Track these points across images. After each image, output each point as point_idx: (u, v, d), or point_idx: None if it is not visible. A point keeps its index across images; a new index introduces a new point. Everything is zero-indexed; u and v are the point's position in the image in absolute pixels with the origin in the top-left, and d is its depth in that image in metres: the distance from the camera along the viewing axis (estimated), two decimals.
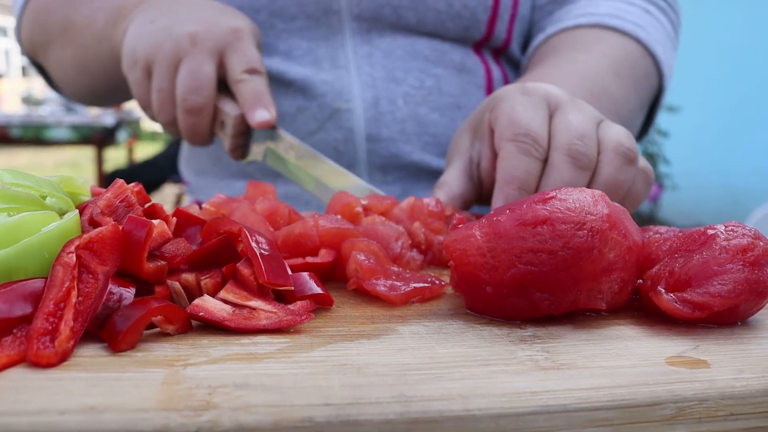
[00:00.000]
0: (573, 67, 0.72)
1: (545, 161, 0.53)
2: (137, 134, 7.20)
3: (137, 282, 0.37)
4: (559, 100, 0.55)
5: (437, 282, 0.45)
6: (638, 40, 0.77)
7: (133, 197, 0.42)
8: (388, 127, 0.78)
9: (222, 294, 0.38)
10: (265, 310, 0.38)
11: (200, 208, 0.54)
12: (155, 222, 0.38)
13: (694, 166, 4.28)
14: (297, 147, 0.67)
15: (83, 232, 0.38)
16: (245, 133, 0.68)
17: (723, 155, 4.25)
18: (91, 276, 0.34)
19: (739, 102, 4.14)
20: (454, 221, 0.45)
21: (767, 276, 0.39)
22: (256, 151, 0.69)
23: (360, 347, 0.35)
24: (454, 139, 0.65)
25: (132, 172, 4.63)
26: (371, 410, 0.28)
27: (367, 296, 0.45)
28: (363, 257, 0.45)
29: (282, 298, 0.41)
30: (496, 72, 0.84)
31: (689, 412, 0.30)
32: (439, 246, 0.53)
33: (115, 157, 7.48)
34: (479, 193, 0.62)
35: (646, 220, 4.07)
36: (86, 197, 0.48)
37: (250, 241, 0.40)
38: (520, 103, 0.55)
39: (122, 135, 5.32)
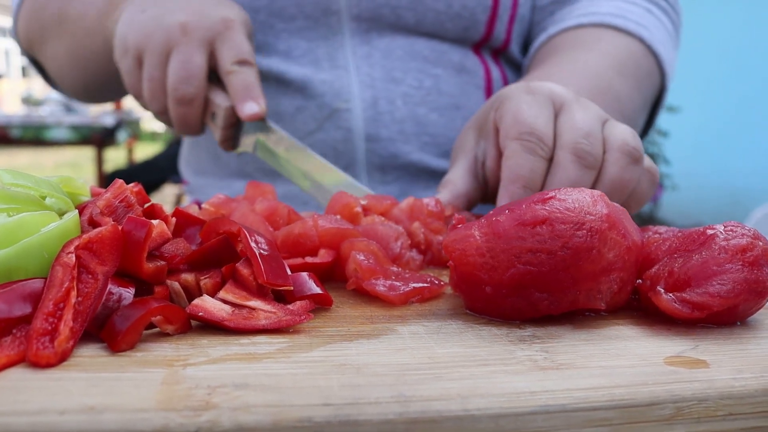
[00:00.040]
0: (577, 66, 0.72)
1: (550, 160, 0.53)
2: (137, 134, 7.20)
3: (137, 282, 0.37)
4: (564, 98, 0.55)
5: (436, 282, 0.45)
6: (641, 40, 0.77)
7: (132, 197, 0.42)
8: (386, 127, 0.78)
9: (221, 294, 0.38)
10: (264, 310, 0.38)
11: (199, 208, 0.54)
12: (155, 222, 0.39)
13: (694, 166, 4.28)
14: (286, 140, 0.67)
15: (83, 232, 0.38)
16: (236, 125, 0.69)
17: (723, 155, 4.25)
18: (90, 276, 0.34)
19: (739, 102, 4.14)
20: (454, 221, 0.45)
21: (766, 276, 0.39)
22: (246, 143, 0.69)
23: (359, 347, 0.35)
24: (459, 138, 0.65)
25: (132, 172, 4.63)
26: (370, 410, 0.28)
27: (366, 296, 0.45)
28: (362, 257, 0.45)
29: (281, 298, 0.41)
30: (496, 72, 0.84)
31: (688, 412, 0.30)
32: (439, 246, 0.53)
33: (115, 158, 7.48)
34: (484, 192, 0.62)
35: (645, 220, 4.07)
36: (86, 197, 0.48)
37: (250, 241, 0.40)
38: (525, 101, 0.55)
39: (122, 135, 5.32)
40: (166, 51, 0.65)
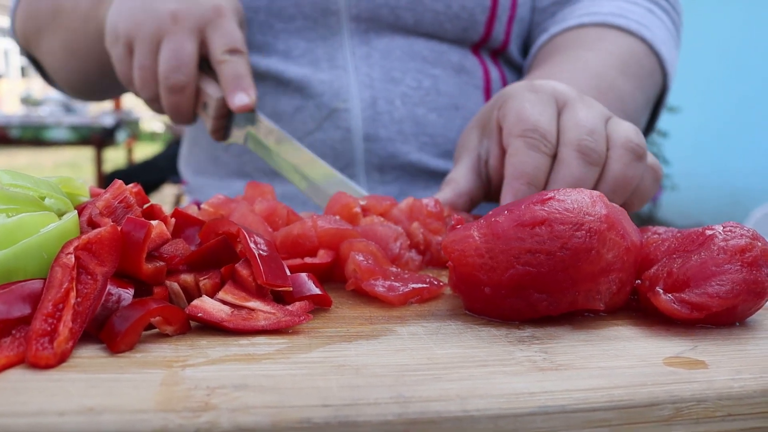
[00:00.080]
0: (579, 65, 0.72)
1: (554, 157, 0.54)
2: (136, 135, 7.20)
3: (136, 283, 0.37)
4: (567, 96, 0.56)
5: (436, 283, 0.45)
6: (643, 39, 0.77)
7: (131, 198, 0.42)
8: (385, 127, 0.78)
9: (220, 295, 0.38)
10: (263, 310, 0.38)
11: (199, 208, 0.54)
12: (154, 223, 0.39)
13: (694, 166, 4.28)
14: (276, 132, 0.68)
15: (82, 233, 0.38)
16: (227, 116, 0.69)
17: (722, 155, 4.25)
18: (89, 277, 0.34)
19: (739, 102, 4.14)
20: (453, 222, 0.45)
21: (765, 276, 0.39)
22: (237, 134, 0.70)
23: (358, 348, 0.35)
24: (462, 136, 0.65)
25: (131, 172, 4.63)
26: (369, 411, 0.28)
27: (365, 297, 0.45)
28: (361, 258, 0.45)
29: (280, 298, 0.41)
30: (494, 73, 0.85)
31: (687, 412, 0.30)
32: (438, 246, 0.53)
33: (115, 158, 7.47)
34: (487, 191, 0.62)
35: (645, 220, 4.07)
36: (85, 198, 0.48)
37: (249, 241, 0.40)
38: (528, 99, 0.55)
39: (121, 135, 5.32)
40: (156, 39, 0.65)
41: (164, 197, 4.80)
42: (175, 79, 0.65)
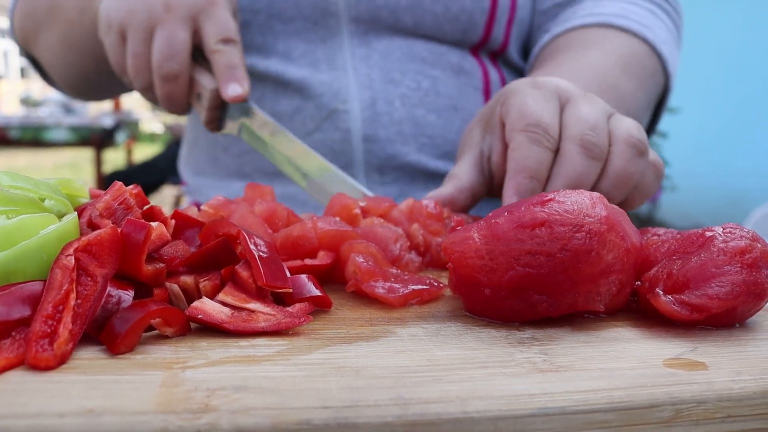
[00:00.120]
0: (581, 64, 0.73)
1: (556, 152, 0.54)
2: (136, 136, 7.20)
3: (136, 284, 0.37)
4: (570, 92, 0.56)
5: (435, 284, 0.45)
6: (645, 40, 0.77)
7: (131, 199, 0.42)
8: (385, 128, 0.78)
9: (220, 296, 0.38)
10: (263, 312, 0.38)
11: (199, 209, 0.54)
12: (154, 224, 0.39)
13: (694, 166, 4.28)
14: (270, 124, 0.68)
15: (82, 234, 0.38)
16: (221, 107, 0.69)
17: (722, 156, 4.25)
18: (89, 278, 0.34)
19: (739, 102, 4.14)
20: (453, 223, 0.45)
21: (765, 278, 0.39)
22: (231, 125, 0.70)
23: (358, 349, 0.35)
24: (465, 133, 0.66)
25: (131, 173, 4.64)
26: (369, 413, 0.28)
27: (365, 298, 0.45)
28: (361, 259, 0.45)
29: (280, 300, 0.41)
30: (494, 74, 0.85)
31: (687, 414, 0.30)
32: (438, 248, 0.53)
33: (114, 159, 7.48)
34: (489, 187, 0.62)
35: (644, 221, 4.07)
36: (85, 199, 0.48)
37: (249, 243, 0.40)
38: (531, 95, 0.56)
39: (121, 136, 5.32)
40: (149, 28, 0.65)
41: (164, 198, 4.80)
42: (168, 68, 0.65)
